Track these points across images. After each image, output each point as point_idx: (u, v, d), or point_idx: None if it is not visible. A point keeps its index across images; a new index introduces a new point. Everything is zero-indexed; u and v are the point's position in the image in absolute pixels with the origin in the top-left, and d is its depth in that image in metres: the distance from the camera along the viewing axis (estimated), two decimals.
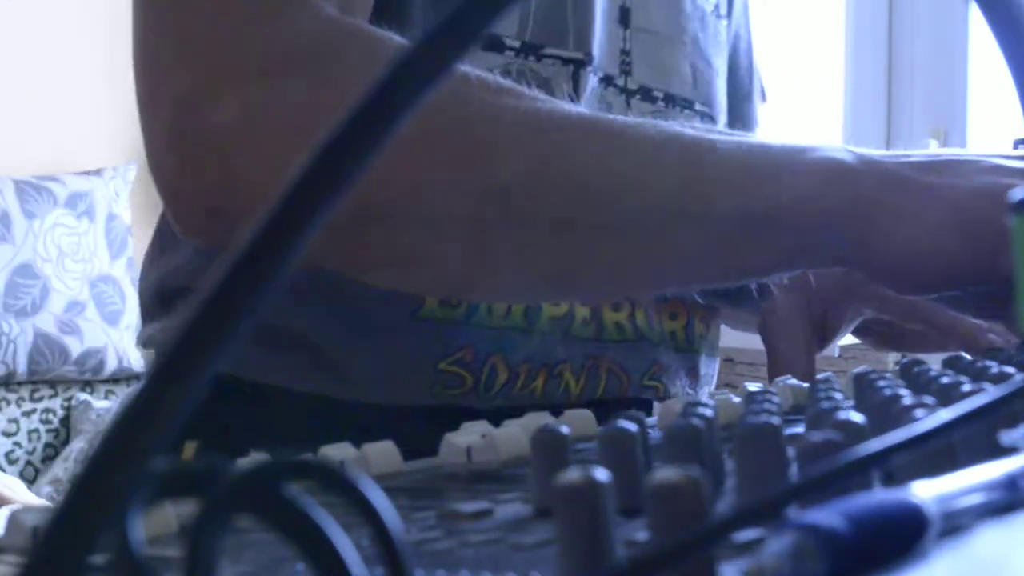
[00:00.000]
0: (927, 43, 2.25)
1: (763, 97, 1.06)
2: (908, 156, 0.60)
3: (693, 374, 0.86)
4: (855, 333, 0.84)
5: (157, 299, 0.82)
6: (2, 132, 2.74)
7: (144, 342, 0.83)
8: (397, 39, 0.61)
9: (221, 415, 0.67)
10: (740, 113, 0.99)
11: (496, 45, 0.73)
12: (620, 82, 0.79)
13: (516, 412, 0.51)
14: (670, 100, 0.82)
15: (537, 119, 0.60)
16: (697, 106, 0.84)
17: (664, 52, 0.82)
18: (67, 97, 2.77)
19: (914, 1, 2.27)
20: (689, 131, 0.61)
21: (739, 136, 0.62)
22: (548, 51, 0.74)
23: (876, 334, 0.86)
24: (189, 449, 0.72)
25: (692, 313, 0.85)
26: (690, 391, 0.85)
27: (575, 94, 0.75)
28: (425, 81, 0.20)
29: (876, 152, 0.61)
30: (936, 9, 2.24)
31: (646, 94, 0.81)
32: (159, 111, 0.63)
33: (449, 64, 0.20)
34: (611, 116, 0.62)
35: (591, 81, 0.76)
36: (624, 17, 0.80)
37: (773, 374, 0.80)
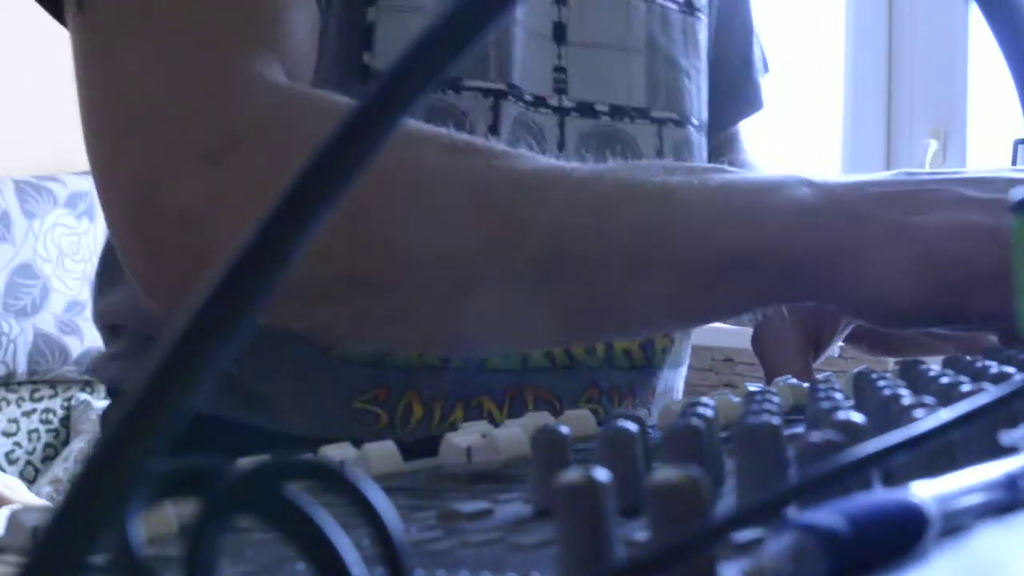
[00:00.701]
0: (927, 43, 2.25)
1: (766, 68, 1.04)
2: (872, 185, 0.59)
3: (649, 390, 0.84)
4: (847, 340, 0.84)
5: (106, 328, 0.82)
6: (2, 132, 2.74)
7: (95, 369, 0.83)
8: (348, 100, 0.61)
9: None
10: (740, 96, 0.97)
11: None
12: (553, 102, 0.78)
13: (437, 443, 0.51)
14: (617, 112, 0.81)
15: (490, 181, 0.60)
16: (654, 113, 0.83)
17: (609, 62, 0.80)
18: (67, 97, 2.76)
19: (914, 1, 2.27)
20: (652, 177, 0.60)
21: (702, 175, 0.61)
22: (467, 83, 0.73)
23: (868, 340, 0.85)
24: None
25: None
26: (643, 411, 0.83)
27: (495, 126, 0.74)
28: (376, 134, 0.20)
29: (840, 181, 0.59)
30: (936, 9, 2.24)
31: (586, 110, 0.79)
32: (116, 190, 0.63)
33: (397, 116, 0.20)
34: (567, 167, 0.61)
35: (512, 111, 0.75)
36: (559, 33, 0.78)
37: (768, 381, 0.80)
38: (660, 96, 0.83)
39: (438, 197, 0.60)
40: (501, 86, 0.74)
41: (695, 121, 0.86)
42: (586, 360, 0.79)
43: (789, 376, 0.58)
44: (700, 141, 0.87)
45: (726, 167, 0.62)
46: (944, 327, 0.60)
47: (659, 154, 0.82)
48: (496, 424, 0.71)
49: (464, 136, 0.62)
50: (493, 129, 0.74)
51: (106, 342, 0.83)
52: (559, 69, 0.78)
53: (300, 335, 0.70)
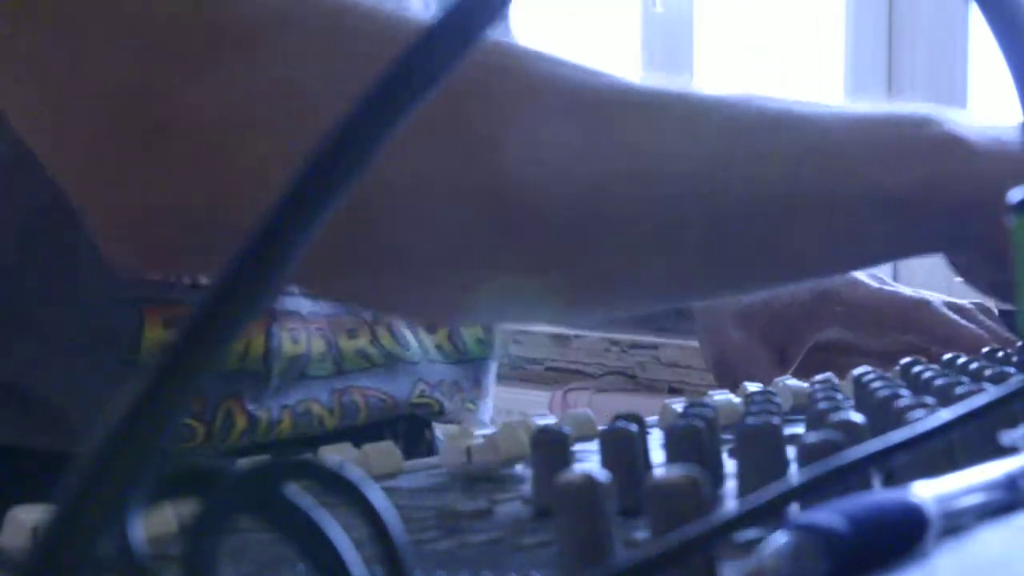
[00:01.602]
0: (927, 43, 2.25)
1: None
2: (1012, 128, 0.53)
3: (477, 385, 0.77)
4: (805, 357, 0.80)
5: None
6: None
7: None
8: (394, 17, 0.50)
9: None
10: None
11: None
12: None
13: (264, 452, 0.45)
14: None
15: (625, 100, 0.50)
16: None
17: None
18: None
19: (914, 2, 2.27)
20: (793, 106, 0.52)
21: (828, 107, 0.53)
22: None
23: (821, 362, 0.80)
24: None
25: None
26: (470, 405, 0.77)
27: None
28: (451, 55, 0.19)
29: (971, 120, 0.53)
30: (936, 10, 2.24)
31: None
32: (97, 107, 0.48)
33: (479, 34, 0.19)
34: (684, 92, 0.52)
35: None
36: None
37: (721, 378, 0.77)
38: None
39: (561, 120, 0.49)
40: None
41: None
42: (403, 355, 0.72)
43: (789, 376, 0.58)
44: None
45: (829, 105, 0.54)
46: None
47: None
48: (326, 429, 0.66)
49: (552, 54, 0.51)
50: None
51: None
52: None
53: (97, 339, 0.61)
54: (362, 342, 0.70)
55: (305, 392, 0.68)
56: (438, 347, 0.75)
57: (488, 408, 0.79)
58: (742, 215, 0.51)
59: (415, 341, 0.73)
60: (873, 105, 0.54)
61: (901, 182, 0.51)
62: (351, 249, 0.48)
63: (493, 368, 0.79)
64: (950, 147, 0.51)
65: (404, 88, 0.19)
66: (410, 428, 0.73)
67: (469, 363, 0.77)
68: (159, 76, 0.48)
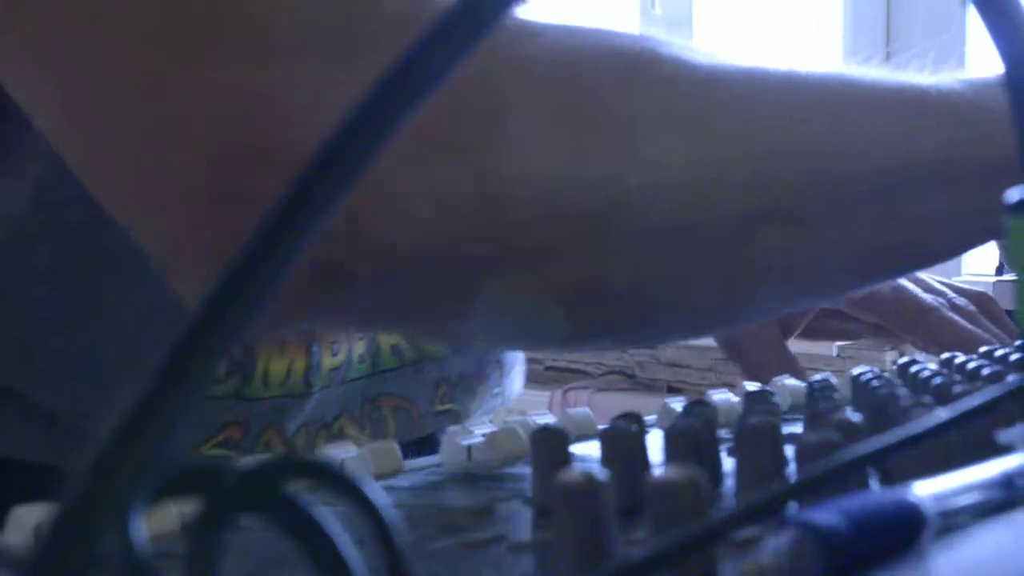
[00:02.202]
0: (925, 42, 2.26)
1: None
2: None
3: (499, 365, 0.74)
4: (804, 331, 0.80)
5: None
6: None
7: None
8: None
9: None
10: None
11: None
12: None
13: None
14: None
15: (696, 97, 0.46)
16: None
17: None
18: None
19: (912, 4, 2.27)
20: (866, 78, 0.49)
21: (904, 78, 0.49)
22: None
23: (820, 329, 0.81)
24: None
25: None
26: (496, 391, 0.74)
27: None
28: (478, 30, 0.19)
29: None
30: (934, 12, 2.24)
31: None
32: (211, 121, 0.43)
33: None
34: (774, 70, 0.48)
35: None
36: None
37: (749, 378, 0.78)
38: None
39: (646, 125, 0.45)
40: None
41: None
42: (431, 350, 0.70)
43: (787, 376, 0.58)
44: None
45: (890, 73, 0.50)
46: None
47: None
48: (358, 445, 0.69)
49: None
50: None
51: None
52: None
53: (126, 368, 0.58)
54: (397, 336, 0.68)
55: (341, 403, 0.67)
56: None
57: (514, 381, 0.77)
58: (886, 189, 0.48)
59: None
60: (935, 76, 0.51)
61: (998, 147, 0.48)
62: (347, 264, 0.44)
63: None
64: (991, 115, 0.49)
65: (404, 88, 0.19)
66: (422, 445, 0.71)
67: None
68: (282, 86, 0.43)
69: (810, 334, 0.81)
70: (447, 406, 0.71)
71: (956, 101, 0.48)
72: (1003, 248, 0.60)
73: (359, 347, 0.67)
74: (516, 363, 0.78)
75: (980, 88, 0.49)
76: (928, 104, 0.48)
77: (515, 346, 0.67)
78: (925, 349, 0.77)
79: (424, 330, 0.55)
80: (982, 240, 0.52)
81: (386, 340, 0.68)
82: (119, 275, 0.59)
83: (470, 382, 0.73)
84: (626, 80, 0.46)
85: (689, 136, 0.46)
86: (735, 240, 0.47)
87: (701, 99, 0.46)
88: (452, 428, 0.47)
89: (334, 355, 0.65)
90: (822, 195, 0.47)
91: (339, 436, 0.66)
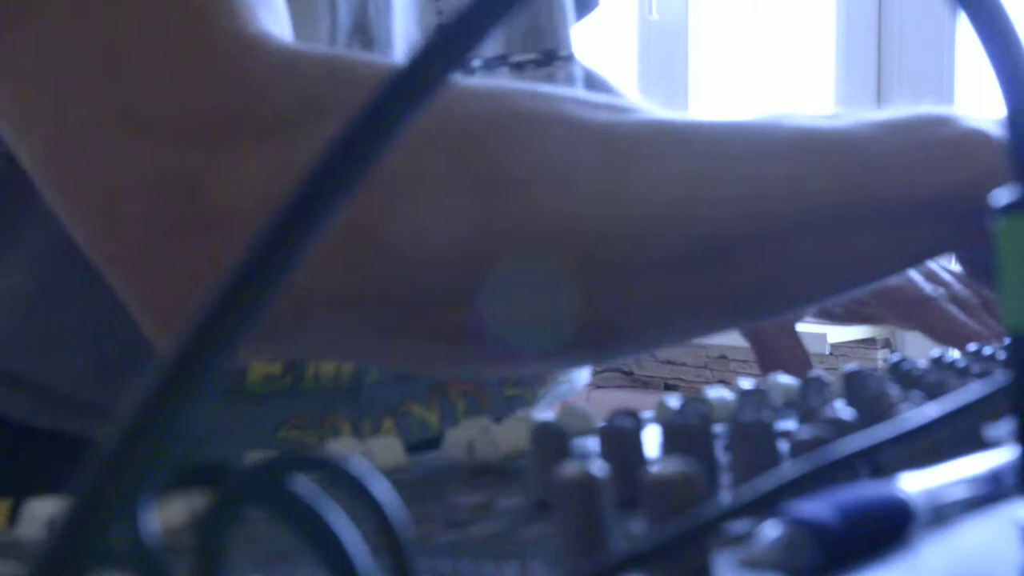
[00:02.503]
0: (915, 50, 2.25)
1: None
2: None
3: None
4: (816, 314, 0.81)
5: None
6: None
7: None
8: (379, 63, 0.50)
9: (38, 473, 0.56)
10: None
11: None
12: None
13: None
14: (486, 64, 0.69)
15: (641, 141, 0.47)
16: (514, 58, 0.70)
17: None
18: None
19: (903, 10, 2.27)
20: (809, 122, 0.50)
21: (847, 118, 0.51)
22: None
23: (842, 312, 0.82)
24: (3, 507, 0.55)
25: None
26: (564, 380, 0.74)
27: None
28: (422, 93, 0.19)
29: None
30: (924, 15, 2.24)
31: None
32: (121, 205, 0.47)
33: (446, 74, 0.19)
34: (701, 121, 0.50)
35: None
36: None
37: (761, 359, 0.78)
38: (515, 37, 0.70)
39: (579, 157, 0.47)
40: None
41: (563, 53, 0.73)
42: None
43: (780, 373, 0.58)
44: (574, 73, 0.74)
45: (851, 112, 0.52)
46: None
47: None
48: (429, 431, 0.66)
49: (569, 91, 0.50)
50: None
51: None
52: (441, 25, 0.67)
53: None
54: None
55: (403, 394, 0.67)
56: None
57: (581, 371, 0.76)
58: (784, 235, 0.49)
59: None
60: (888, 111, 0.52)
61: (947, 181, 0.49)
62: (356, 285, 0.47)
63: None
64: (981, 142, 0.50)
65: (372, 133, 0.19)
66: None
67: None
68: (196, 167, 0.46)
69: (836, 318, 0.81)
70: (516, 391, 0.71)
71: (859, 148, 0.49)
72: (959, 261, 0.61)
73: None
74: None
75: (897, 129, 0.50)
76: (827, 153, 0.49)
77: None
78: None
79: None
80: (895, 271, 0.54)
81: None
82: None
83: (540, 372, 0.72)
84: (523, 140, 0.47)
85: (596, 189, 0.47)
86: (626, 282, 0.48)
87: (605, 154, 0.48)
88: (452, 430, 0.47)
89: None
90: (730, 240, 0.48)
91: (405, 416, 0.67)
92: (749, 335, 0.78)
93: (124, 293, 0.49)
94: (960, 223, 0.49)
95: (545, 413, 0.50)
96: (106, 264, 0.49)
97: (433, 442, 0.47)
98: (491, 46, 0.69)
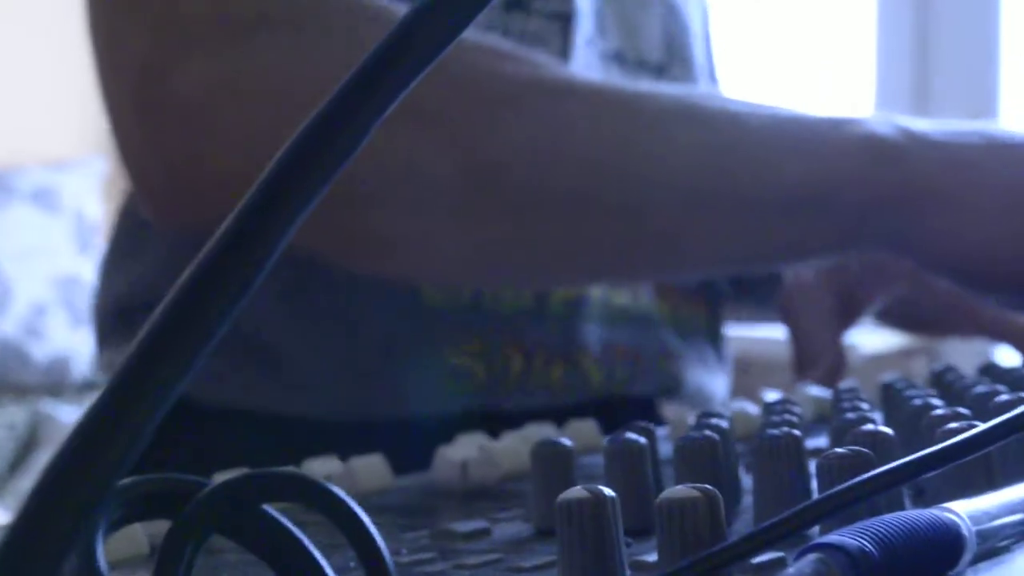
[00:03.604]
0: (958, 35, 2.26)
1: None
2: (958, 131, 0.57)
3: (719, 357, 0.82)
4: (878, 316, 0.82)
5: (118, 316, 0.77)
6: None
7: (106, 368, 0.78)
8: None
9: (178, 443, 0.62)
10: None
11: None
12: (599, 46, 0.75)
13: (522, 418, 0.49)
14: (642, 65, 0.78)
15: (542, 87, 0.57)
16: (672, 72, 0.80)
17: (635, 12, 0.78)
18: (30, 84, 2.77)
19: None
20: (713, 101, 0.58)
21: (766, 106, 0.58)
22: (536, 4, 0.71)
23: (901, 316, 0.83)
24: None
25: (683, 295, 0.80)
26: (708, 376, 0.81)
27: (565, 50, 0.71)
28: (435, 45, 0.19)
29: (922, 123, 0.57)
30: (967, 1, 2.25)
31: (619, 58, 0.77)
32: (120, 80, 0.60)
33: (462, 27, 0.19)
34: (623, 84, 0.59)
35: (578, 42, 0.73)
36: None
37: (798, 356, 0.79)
38: (676, 56, 0.81)
39: (483, 101, 0.57)
40: (566, 9, 0.72)
41: (703, 83, 0.84)
42: (652, 313, 0.78)
43: (810, 384, 0.58)
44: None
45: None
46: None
47: None
48: (592, 389, 0.72)
49: (510, 44, 0.60)
50: (563, 54, 0.71)
51: (117, 336, 0.77)
52: (599, 12, 0.75)
53: (372, 288, 0.68)
54: (627, 295, 0.76)
55: (582, 338, 0.73)
56: (672, 314, 0.79)
57: (725, 383, 0.83)
58: (647, 204, 0.57)
59: (657, 306, 0.78)
60: (818, 110, 0.59)
61: (804, 181, 0.56)
62: (342, 232, 0.58)
63: (726, 349, 0.84)
64: (864, 147, 0.55)
65: (382, 79, 0.19)
66: (646, 408, 0.77)
67: (696, 337, 0.80)
68: (169, 57, 0.58)
69: (900, 321, 0.83)
70: (667, 370, 0.77)
71: (750, 138, 0.57)
72: None
73: (595, 291, 0.74)
74: (726, 367, 0.84)
75: (785, 125, 0.57)
76: (707, 129, 0.57)
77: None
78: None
79: (436, 263, 0.63)
80: (760, 260, 0.63)
81: (617, 296, 0.76)
82: None
83: (688, 360, 0.79)
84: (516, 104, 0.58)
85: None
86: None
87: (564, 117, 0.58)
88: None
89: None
90: (594, 194, 0.58)
91: (574, 367, 0.72)
92: (790, 327, 0.80)
93: (124, 164, 0.61)
94: (824, 222, 0.56)
95: (547, 428, 0.50)
96: (113, 133, 0.61)
97: (586, 408, 0.53)
98: (651, 53, 0.79)
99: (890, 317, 0.83)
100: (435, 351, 0.70)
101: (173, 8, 0.59)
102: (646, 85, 0.60)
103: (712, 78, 0.90)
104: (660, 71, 0.79)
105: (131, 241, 0.76)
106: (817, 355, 0.77)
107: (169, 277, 0.73)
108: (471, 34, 0.57)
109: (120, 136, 0.61)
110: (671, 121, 0.57)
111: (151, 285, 0.74)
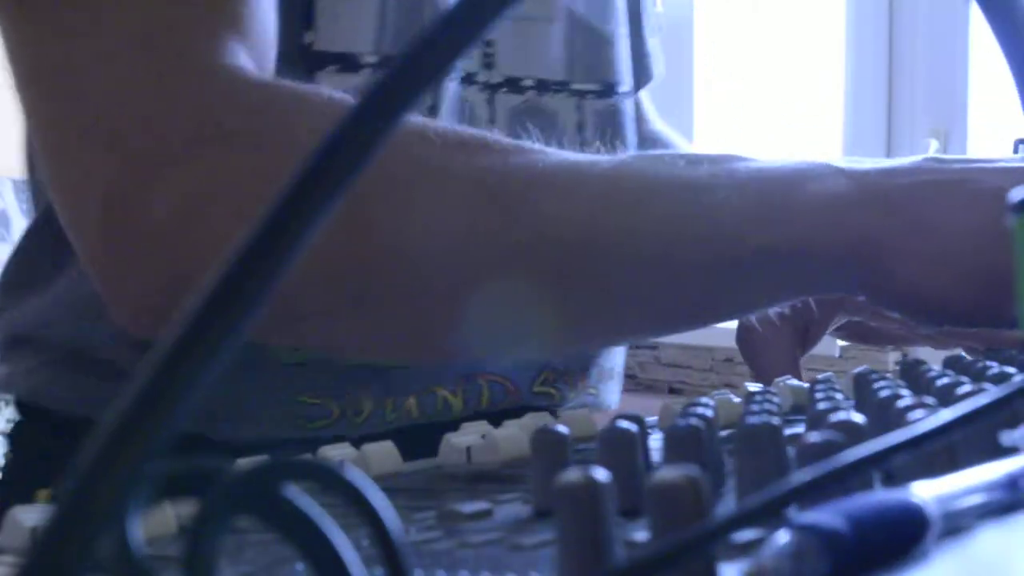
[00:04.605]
0: (928, 42, 2.25)
1: (658, 30, 0.95)
2: (907, 173, 0.57)
3: (598, 368, 0.81)
4: (838, 332, 0.82)
5: (12, 341, 0.75)
6: (3, 131, 2.72)
7: (6, 385, 0.76)
8: (337, 98, 0.56)
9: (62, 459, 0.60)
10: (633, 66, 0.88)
11: (351, 64, 0.67)
12: (482, 78, 0.74)
13: (387, 437, 0.48)
14: (542, 86, 0.76)
15: (507, 180, 0.56)
16: (575, 85, 0.78)
17: (532, 35, 0.76)
18: None
19: (915, 1, 2.27)
20: (678, 171, 0.57)
21: (726, 166, 0.58)
22: None
23: (856, 331, 0.83)
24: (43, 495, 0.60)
25: None
26: (592, 391, 0.80)
27: (435, 107, 0.70)
28: (377, 131, 0.19)
29: (872, 168, 0.57)
30: (937, 9, 2.24)
31: (512, 85, 0.75)
32: (85, 210, 0.56)
33: (402, 110, 0.20)
34: (588, 161, 0.58)
35: (451, 87, 0.71)
36: None
37: (752, 363, 0.79)
38: (579, 67, 0.78)
39: (450, 199, 0.56)
40: None
41: (622, 88, 0.81)
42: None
43: (789, 376, 0.58)
44: (628, 109, 0.82)
45: (743, 155, 0.59)
46: (979, 325, 0.58)
47: (580, 127, 0.78)
48: (452, 414, 0.70)
49: (474, 131, 0.59)
50: (433, 110, 0.69)
51: (10, 355, 0.75)
52: (487, 43, 0.74)
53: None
54: None
55: (432, 378, 0.71)
56: None
57: (615, 390, 0.82)
58: (611, 277, 0.57)
59: None
60: (783, 159, 0.59)
61: (775, 240, 0.55)
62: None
63: (623, 351, 0.83)
64: (826, 203, 0.55)
65: (331, 172, 0.19)
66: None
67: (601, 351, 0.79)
68: (136, 182, 0.55)
69: (860, 338, 0.83)
70: (546, 389, 0.76)
71: (720, 202, 0.56)
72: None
73: None
74: (615, 373, 0.83)
75: (754, 185, 0.57)
76: (673, 201, 0.57)
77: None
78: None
79: (419, 345, 0.62)
80: (724, 318, 0.63)
81: None
82: None
83: (572, 375, 0.78)
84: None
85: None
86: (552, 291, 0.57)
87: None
88: (450, 433, 0.47)
89: None
90: (572, 269, 0.57)
91: (430, 395, 0.71)
92: (749, 361, 0.79)
93: (95, 284, 0.57)
94: (800, 274, 0.56)
95: (545, 417, 0.50)
96: (81, 256, 0.58)
97: (452, 424, 0.50)
98: (553, 71, 0.77)
99: (841, 332, 0.82)
100: (288, 397, 0.69)
101: (127, 132, 0.56)
102: (610, 160, 0.58)
103: (649, 32, 0.89)
104: (562, 87, 0.78)
105: (27, 277, 0.74)
106: (769, 361, 0.77)
107: (66, 312, 0.69)
108: (430, 122, 0.57)
109: (94, 265, 0.57)
110: (643, 199, 0.57)
111: (49, 320, 0.72)
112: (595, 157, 0.59)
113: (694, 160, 0.58)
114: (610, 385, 0.82)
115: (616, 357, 0.83)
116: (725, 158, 0.58)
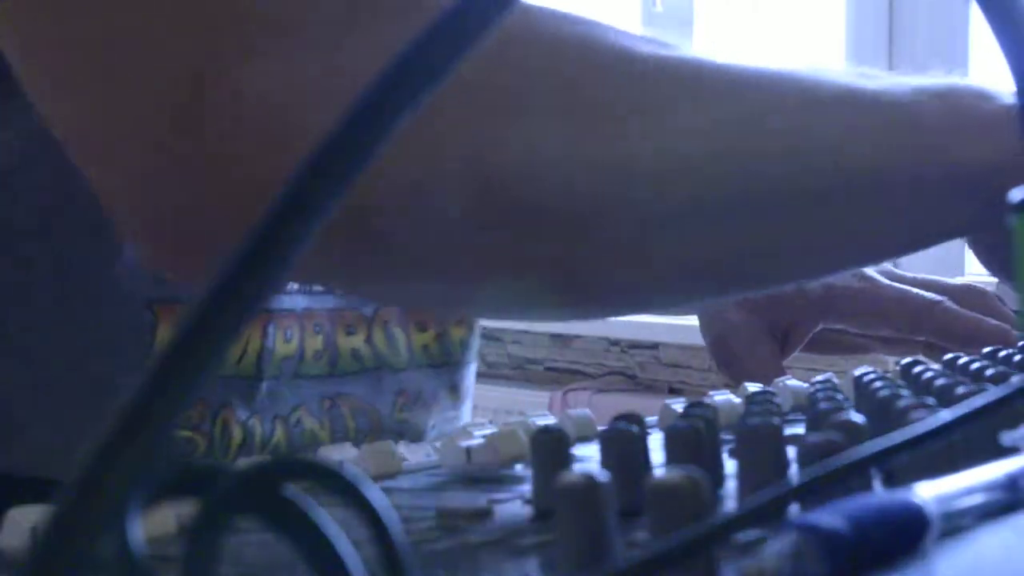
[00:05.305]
0: (928, 43, 2.26)
1: None
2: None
3: (454, 391, 0.75)
4: (807, 346, 0.80)
5: None
6: None
7: None
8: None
9: None
10: None
11: None
12: None
13: None
14: None
15: (699, 77, 0.49)
16: None
17: None
18: None
19: (915, 1, 2.27)
20: (856, 80, 0.51)
21: (882, 79, 0.52)
22: None
23: (829, 342, 0.80)
24: None
25: (445, 321, 0.73)
26: (452, 413, 0.75)
27: None
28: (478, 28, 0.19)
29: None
30: (937, 9, 2.25)
31: None
32: (157, 96, 0.47)
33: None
34: (761, 68, 0.51)
35: None
36: None
37: (727, 367, 0.77)
38: None
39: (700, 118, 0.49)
40: None
41: None
42: (391, 360, 0.71)
43: (789, 376, 0.58)
44: None
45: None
46: None
47: None
48: (320, 443, 0.65)
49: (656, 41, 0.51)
50: None
51: None
52: None
53: (76, 355, 0.60)
54: (358, 340, 0.69)
55: (296, 398, 0.67)
56: (424, 347, 0.73)
57: (466, 412, 0.78)
58: (824, 192, 0.50)
59: (405, 342, 0.72)
60: (922, 78, 0.53)
61: (983, 157, 0.50)
62: (350, 248, 0.46)
63: (473, 371, 0.78)
64: (1008, 119, 0.50)
65: (406, 84, 0.19)
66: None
67: (452, 367, 0.75)
68: (211, 65, 0.46)
69: (817, 348, 0.81)
70: (405, 415, 0.72)
71: (901, 110, 0.51)
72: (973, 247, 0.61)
73: (316, 342, 0.67)
74: (469, 395, 0.78)
75: (939, 96, 0.51)
76: (872, 112, 0.50)
77: (513, 317, 0.68)
78: (940, 346, 0.75)
79: (440, 297, 0.56)
80: (924, 244, 0.54)
81: (346, 344, 0.69)
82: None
83: (426, 399, 0.73)
84: (609, 74, 0.49)
85: (658, 129, 0.49)
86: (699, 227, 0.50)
87: (670, 94, 0.49)
88: (449, 436, 0.47)
89: (287, 341, 0.65)
90: (775, 190, 0.49)
91: (297, 426, 0.66)
92: (725, 370, 0.77)
93: (112, 207, 0.49)
94: (989, 202, 0.48)
95: (545, 417, 0.50)
96: (101, 174, 0.49)
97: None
98: None
99: (814, 344, 0.80)
100: None
101: (216, 10, 0.47)
102: (771, 68, 0.51)
103: None
104: None
105: None
106: (748, 366, 0.75)
107: None
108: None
109: (151, 166, 0.48)
110: (832, 104, 0.50)
111: None
112: (754, 67, 0.51)
113: (865, 75, 0.53)
114: (464, 407, 0.77)
115: (468, 379, 0.78)
116: (890, 74, 0.53)
